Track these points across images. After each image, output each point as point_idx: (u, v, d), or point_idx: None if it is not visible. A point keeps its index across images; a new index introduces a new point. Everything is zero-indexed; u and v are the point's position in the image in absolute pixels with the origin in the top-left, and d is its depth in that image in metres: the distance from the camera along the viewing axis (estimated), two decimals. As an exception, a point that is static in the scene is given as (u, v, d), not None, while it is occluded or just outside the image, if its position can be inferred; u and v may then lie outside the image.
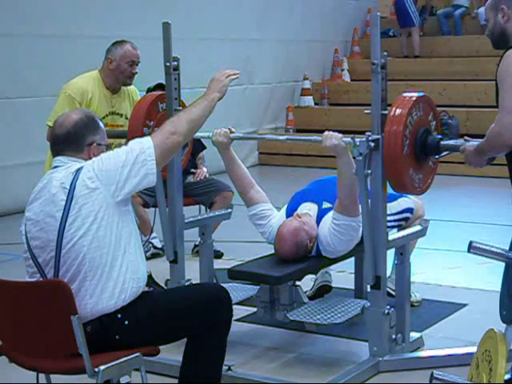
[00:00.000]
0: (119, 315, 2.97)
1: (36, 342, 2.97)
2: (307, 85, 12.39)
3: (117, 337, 2.96)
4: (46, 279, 2.99)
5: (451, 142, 3.95)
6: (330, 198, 4.28)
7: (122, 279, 2.98)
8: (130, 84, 5.19)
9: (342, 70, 13.10)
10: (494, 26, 3.59)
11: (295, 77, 12.36)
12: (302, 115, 12.10)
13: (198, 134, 4.63)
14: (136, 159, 3.01)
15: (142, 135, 4.07)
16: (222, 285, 4.49)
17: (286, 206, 4.45)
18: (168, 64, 4.38)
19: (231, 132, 4.39)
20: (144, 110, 4.50)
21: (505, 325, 3.34)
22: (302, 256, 4.16)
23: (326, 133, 4.01)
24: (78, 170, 3.00)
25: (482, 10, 12.94)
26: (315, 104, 12.45)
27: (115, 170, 2.99)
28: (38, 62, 8.31)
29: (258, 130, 11.63)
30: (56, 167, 3.10)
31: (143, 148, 3.04)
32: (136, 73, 5.15)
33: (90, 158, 3.09)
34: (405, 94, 3.91)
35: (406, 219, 4.55)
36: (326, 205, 4.28)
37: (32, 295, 2.91)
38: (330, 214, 4.18)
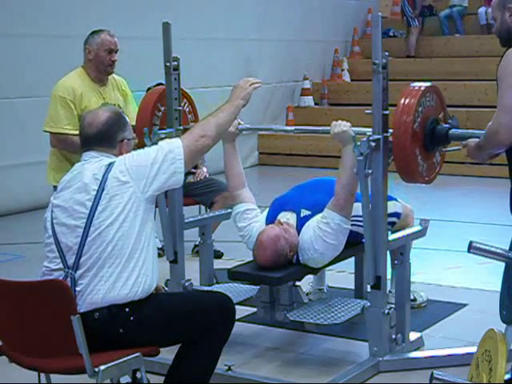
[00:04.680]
0: (127, 309, 3.01)
1: (36, 341, 2.97)
2: (307, 85, 12.40)
3: (120, 330, 3.00)
4: (64, 263, 3.04)
5: (459, 131, 3.91)
6: (308, 204, 4.19)
7: (137, 273, 3.05)
8: (111, 72, 5.13)
9: (342, 70, 13.11)
10: (501, 25, 3.58)
11: (295, 77, 12.37)
12: (301, 115, 12.09)
13: None
14: (165, 157, 3.12)
15: (152, 116, 4.47)
16: (223, 285, 4.52)
17: (266, 211, 4.33)
18: (168, 64, 4.38)
19: (239, 124, 4.38)
20: (156, 95, 4.60)
21: (505, 325, 3.35)
22: (283, 264, 4.05)
23: (335, 121, 4.02)
24: (111, 164, 3.12)
25: (482, 10, 12.97)
26: (315, 104, 12.45)
27: (145, 166, 3.10)
28: (38, 61, 8.31)
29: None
30: (85, 161, 3.22)
31: (173, 147, 3.15)
32: (115, 60, 5.08)
33: (122, 154, 3.21)
34: (413, 84, 3.91)
35: (391, 224, 4.32)
36: (304, 212, 4.17)
37: (32, 295, 2.91)
38: (313, 218, 4.09)
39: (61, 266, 3.06)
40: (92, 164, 3.16)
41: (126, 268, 3.02)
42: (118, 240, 3.02)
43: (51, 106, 5.12)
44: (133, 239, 3.05)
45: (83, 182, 3.10)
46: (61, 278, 3.02)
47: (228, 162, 4.40)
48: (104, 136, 3.21)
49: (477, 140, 3.65)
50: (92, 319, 2.96)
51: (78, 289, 3.01)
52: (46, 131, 5.15)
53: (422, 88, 3.86)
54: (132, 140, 3.32)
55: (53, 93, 5.12)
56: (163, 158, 3.11)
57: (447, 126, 3.90)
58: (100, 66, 5.06)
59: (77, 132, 4.94)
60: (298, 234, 4.10)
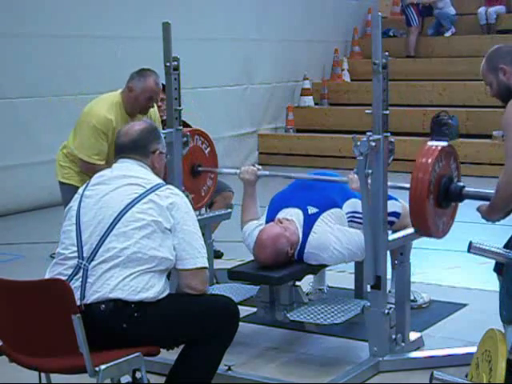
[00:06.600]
0: (133, 305, 3.03)
1: (37, 341, 2.97)
2: (307, 85, 12.40)
3: (124, 325, 3.01)
4: (80, 253, 3.08)
5: (473, 190, 3.88)
6: (314, 201, 4.20)
7: (146, 280, 3.06)
8: (145, 114, 5.18)
9: (342, 69, 13.10)
10: (499, 86, 3.59)
11: (295, 77, 12.37)
12: (301, 115, 12.10)
13: (225, 170, 4.86)
14: (190, 245, 3.15)
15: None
16: (223, 285, 4.53)
17: (266, 209, 4.37)
18: (168, 64, 4.39)
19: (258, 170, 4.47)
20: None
21: (505, 325, 3.35)
22: (283, 262, 4.08)
23: (351, 175, 4.06)
24: (164, 185, 3.21)
25: (482, 9, 12.99)
26: (315, 104, 12.45)
27: (183, 223, 3.14)
28: (38, 61, 8.31)
29: (258, 130, 11.65)
30: (122, 167, 3.30)
31: (200, 255, 3.17)
32: (152, 106, 5.16)
33: (154, 166, 3.32)
34: (430, 143, 3.91)
35: (390, 223, 4.28)
36: (311, 210, 4.18)
37: (32, 295, 2.91)
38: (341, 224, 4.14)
39: (76, 254, 3.09)
40: (137, 170, 3.25)
41: (137, 273, 3.05)
42: (139, 248, 3.06)
43: (83, 132, 5.12)
44: (152, 251, 3.08)
45: (124, 183, 3.18)
46: (72, 268, 3.06)
47: (246, 201, 4.46)
48: (137, 144, 3.31)
49: (487, 203, 3.62)
50: (98, 311, 2.99)
51: (89, 280, 3.03)
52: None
53: (439, 148, 3.84)
54: (164, 154, 3.41)
55: (86, 118, 5.11)
56: (189, 242, 3.14)
57: (461, 184, 3.89)
58: (136, 106, 5.10)
59: (104, 162, 4.99)
60: (307, 231, 4.12)
